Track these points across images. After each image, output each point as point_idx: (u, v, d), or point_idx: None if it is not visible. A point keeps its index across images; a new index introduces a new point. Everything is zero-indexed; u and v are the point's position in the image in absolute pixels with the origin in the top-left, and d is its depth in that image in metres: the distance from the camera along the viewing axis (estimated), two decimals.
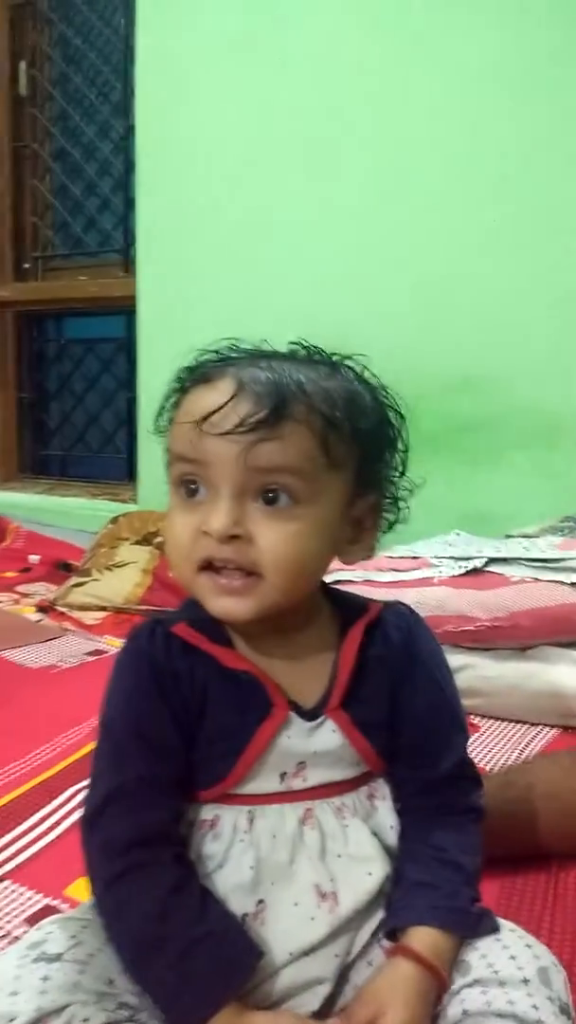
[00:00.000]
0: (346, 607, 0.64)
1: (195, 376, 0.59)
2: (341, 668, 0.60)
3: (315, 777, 0.59)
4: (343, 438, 0.57)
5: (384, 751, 0.62)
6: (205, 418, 0.54)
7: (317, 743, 0.59)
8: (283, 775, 0.59)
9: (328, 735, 0.59)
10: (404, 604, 0.66)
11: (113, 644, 1.62)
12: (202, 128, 2.13)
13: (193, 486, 0.57)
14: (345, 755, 0.60)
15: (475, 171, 1.81)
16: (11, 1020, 0.51)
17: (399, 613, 0.64)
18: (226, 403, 0.54)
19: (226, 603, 0.56)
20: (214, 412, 0.54)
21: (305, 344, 0.61)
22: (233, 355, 0.60)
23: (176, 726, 0.58)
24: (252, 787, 0.58)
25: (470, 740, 0.68)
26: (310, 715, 0.59)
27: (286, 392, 0.55)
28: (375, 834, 0.60)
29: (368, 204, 1.93)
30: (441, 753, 0.63)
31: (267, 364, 0.57)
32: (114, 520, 2.11)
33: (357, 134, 1.93)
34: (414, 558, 1.47)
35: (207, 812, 0.59)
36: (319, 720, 0.59)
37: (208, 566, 0.56)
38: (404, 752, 0.62)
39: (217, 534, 0.54)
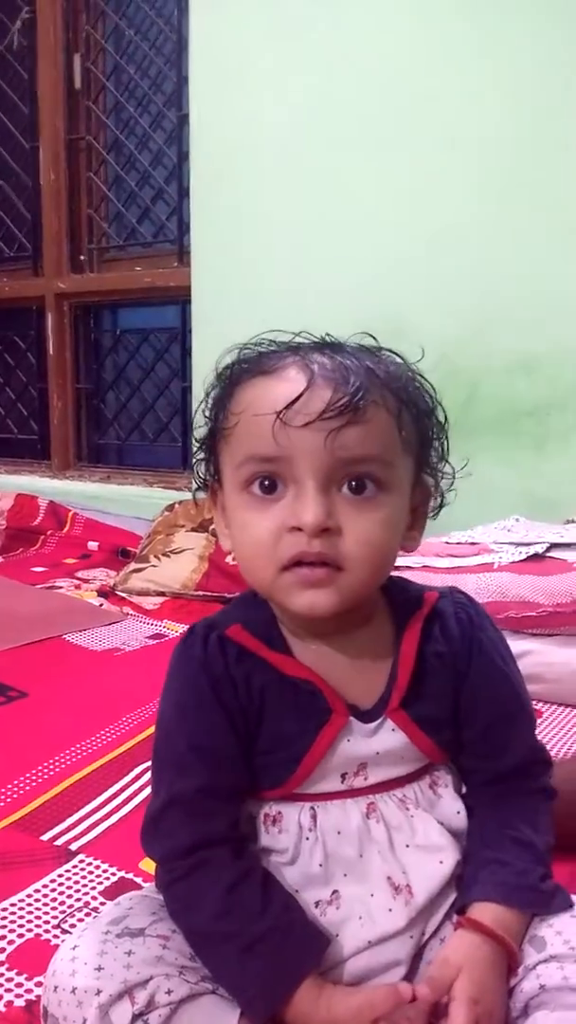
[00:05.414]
0: (401, 598, 0.62)
1: (249, 370, 0.56)
2: (401, 669, 0.59)
3: (376, 775, 0.59)
4: (411, 419, 0.57)
5: (446, 744, 0.61)
6: (286, 408, 0.52)
7: (378, 744, 0.59)
8: (344, 775, 0.59)
9: (389, 735, 0.59)
10: (461, 592, 0.64)
11: (173, 629, 1.65)
12: (255, 117, 2.13)
13: (268, 483, 0.54)
14: (407, 753, 0.59)
15: (537, 151, 1.77)
16: (98, 993, 0.52)
17: (457, 603, 0.63)
18: (304, 391, 0.52)
19: (312, 596, 0.54)
20: (294, 401, 0.52)
21: (333, 338, 0.58)
22: (278, 348, 0.57)
23: (234, 734, 0.57)
24: (313, 788, 0.58)
25: None
26: (370, 716, 0.59)
27: (360, 375, 0.53)
28: (441, 822, 0.60)
29: (423, 189, 1.90)
30: (508, 745, 0.62)
31: (327, 352, 0.55)
32: (170, 508, 2.15)
33: (412, 119, 1.90)
34: (472, 544, 1.46)
35: (270, 808, 0.59)
36: (379, 721, 0.59)
37: (293, 564, 0.53)
38: (470, 744, 0.62)
39: (311, 528, 0.52)
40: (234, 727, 0.57)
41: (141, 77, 2.58)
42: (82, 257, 2.77)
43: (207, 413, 0.59)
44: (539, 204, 1.78)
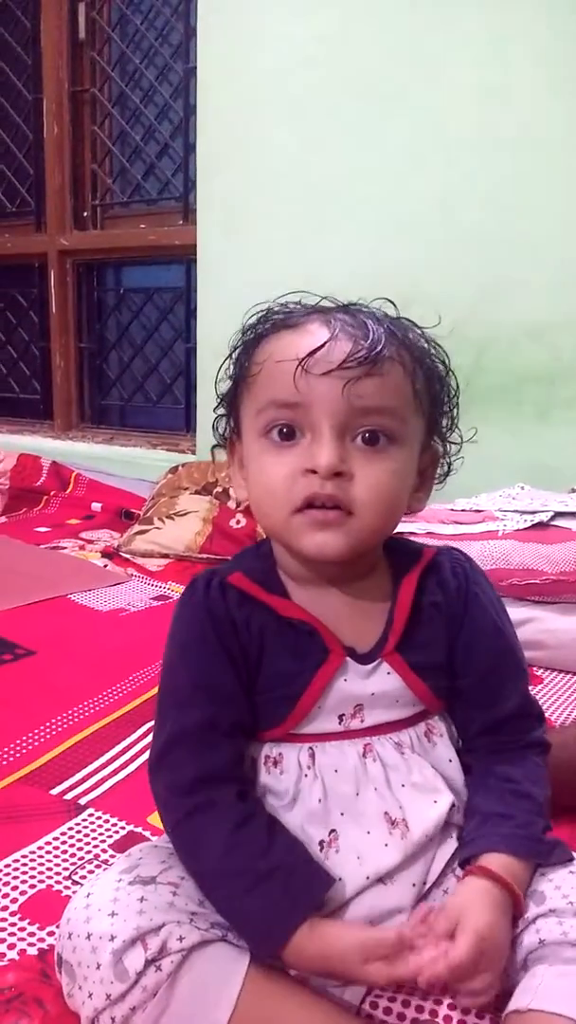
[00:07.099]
0: (401, 554, 0.65)
1: (274, 324, 0.60)
2: (397, 614, 0.62)
3: (372, 718, 0.61)
4: (424, 380, 0.59)
5: (442, 692, 0.63)
6: (309, 355, 0.55)
7: (373, 685, 0.61)
8: (341, 717, 0.61)
9: (384, 677, 0.61)
10: (458, 549, 0.67)
11: (176, 590, 1.66)
12: (264, 71, 2.08)
13: (287, 430, 0.57)
14: (402, 696, 0.62)
15: (551, 115, 1.74)
16: (112, 938, 0.54)
17: (454, 558, 0.66)
18: (327, 342, 0.55)
19: (323, 538, 0.57)
20: (317, 350, 0.55)
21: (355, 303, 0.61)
22: (302, 307, 0.61)
23: (235, 672, 0.60)
24: (311, 728, 0.61)
25: (534, 692, 0.69)
26: (366, 658, 0.61)
27: (379, 332, 0.56)
28: (435, 767, 0.62)
29: (433, 147, 1.87)
30: (502, 695, 0.64)
31: (347, 311, 0.59)
32: (174, 470, 2.15)
33: (423, 75, 1.86)
34: (477, 511, 1.46)
35: (270, 749, 0.61)
36: (375, 663, 0.61)
37: (305, 506, 0.56)
38: (465, 694, 0.64)
39: (325, 470, 0.55)
40: (235, 666, 0.60)
41: (147, 28, 2.52)
42: (85, 213, 2.72)
43: (231, 366, 0.62)
44: (553, 170, 1.75)
